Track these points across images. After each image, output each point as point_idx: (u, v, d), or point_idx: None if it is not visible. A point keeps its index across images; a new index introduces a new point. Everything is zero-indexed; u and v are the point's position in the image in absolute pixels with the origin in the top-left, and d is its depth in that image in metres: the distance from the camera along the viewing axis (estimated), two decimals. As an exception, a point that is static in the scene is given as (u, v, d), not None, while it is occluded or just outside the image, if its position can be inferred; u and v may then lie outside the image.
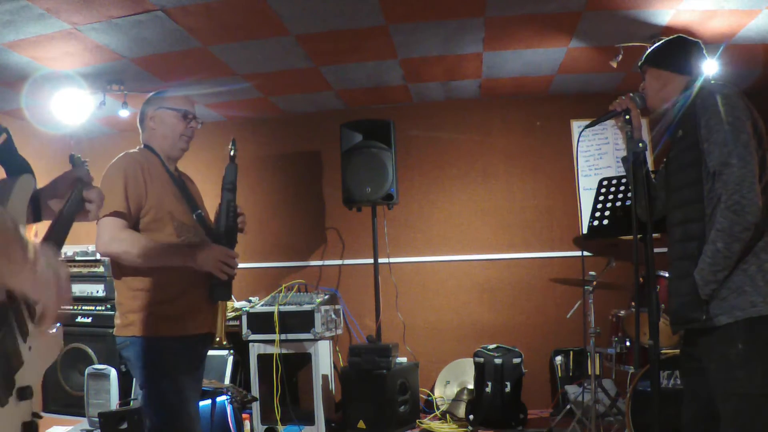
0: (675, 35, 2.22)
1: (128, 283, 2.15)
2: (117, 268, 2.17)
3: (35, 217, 1.66)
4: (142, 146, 2.37)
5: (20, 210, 1.43)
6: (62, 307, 1.11)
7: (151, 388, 2.13)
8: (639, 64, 2.23)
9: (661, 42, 2.21)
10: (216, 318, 2.37)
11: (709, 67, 2.16)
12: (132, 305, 2.14)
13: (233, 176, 2.25)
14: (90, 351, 4.70)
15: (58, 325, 1.48)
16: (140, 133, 2.40)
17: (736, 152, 1.84)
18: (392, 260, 5.06)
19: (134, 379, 4.49)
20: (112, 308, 4.82)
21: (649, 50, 2.20)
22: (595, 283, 3.66)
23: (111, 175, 2.19)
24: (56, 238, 1.50)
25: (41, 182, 1.84)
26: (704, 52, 2.14)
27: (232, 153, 2.27)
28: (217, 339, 2.20)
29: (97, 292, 4.90)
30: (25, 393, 1.16)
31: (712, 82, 2.04)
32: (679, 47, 2.15)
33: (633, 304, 3.66)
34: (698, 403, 2.02)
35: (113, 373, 4.31)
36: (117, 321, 2.19)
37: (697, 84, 2.05)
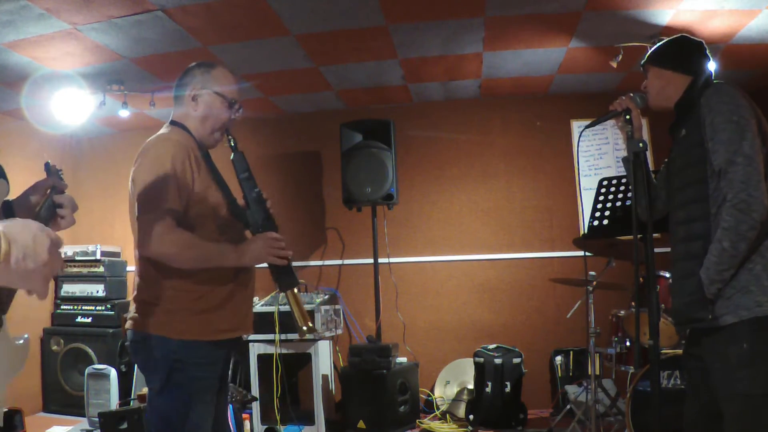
0: (678, 34, 2.22)
1: (171, 282, 1.93)
2: (160, 266, 1.93)
3: None
4: (175, 124, 2.10)
5: None
6: (53, 275, 1.04)
7: (168, 395, 1.91)
8: (641, 62, 2.23)
9: (664, 41, 2.20)
10: (251, 320, 2.19)
11: (711, 67, 2.15)
12: (169, 306, 1.92)
13: (245, 164, 2.03)
14: (90, 351, 4.70)
15: (26, 336, 1.46)
16: (173, 107, 2.15)
17: (742, 151, 1.84)
18: (392, 260, 5.06)
19: (134, 379, 4.50)
20: (112, 308, 4.84)
21: (652, 49, 2.19)
22: (595, 283, 3.66)
23: (157, 165, 1.90)
24: None
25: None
26: (707, 51, 2.13)
27: (232, 144, 2.07)
28: (304, 328, 1.98)
29: (97, 292, 4.90)
30: None
31: (716, 81, 2.04)
32: (683, 47, 2.14)
33: (633, 304, 3.66)
34: (701, 403, 2.01)
35: (113, 373, 4.31)
36: (145, 318, 1.93)
37: (700, 84, 2.04)
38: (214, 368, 2.00)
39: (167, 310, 1.93)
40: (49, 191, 1.65)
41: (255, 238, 1.99)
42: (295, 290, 2.05)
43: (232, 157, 2.06)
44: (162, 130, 2.08)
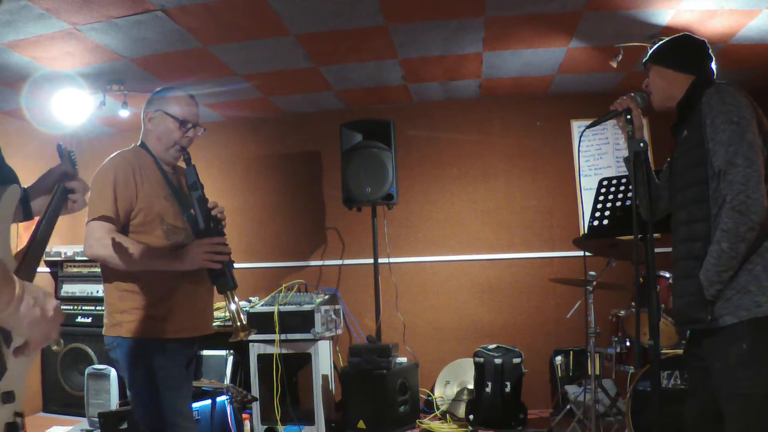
0: (681, 33, 2.21)
1: (117, 285, 2.14)
2: (106, 270, 2.16)
3: (25, 215, 1.70)
4: (138, 143, 2.34)
5: (6, 221, 1.46)
6: (49, 340, 1.12)
7: (139, 391, 2.11)
8: (644, 61, 2.22)
9: (667, 39, 2.19)
10: (210, 319, 2.34)
11: (713, 67, 2.15)
12: (120, 306, 2.12)
13: (194, 176, 2.17)
14: (90, 351, 4.70)
15: None
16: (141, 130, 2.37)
17: (742, 152, 1.84)
18: (392, 260, 5.06)
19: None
20: (112, 308, 4.84)
21: (655, 47, 2.19)
22: (595, 283, 3.66)
23: (100, 177, 2.17)
24: (43, 234, 1.54)
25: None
26: (710, 51, 2.13)
27: (186, 157, 2.23)
28: (238, 324, 2.06)
29: (97, 292, 4.90)
30: (8, 397, 1.22)
31: (717, 81, 2.04)
32: (685, 46, 2.14)
33: (633, 304, 3.66)
34: (702, 403, 2.02)
35: (113, 373, 4.31)
36: (105, 321, 2.17)
37: (702, 83, 2.04)
38: (176, 358, 2.16)
39: (120, 310, 2.12)
40: (62, 178, 1.72)
41: (192, 244, 2.12)
42: (232, 293, 2.13)
43: (185, 169, 2.22)
44: (123, 149, 2.30)
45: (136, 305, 2.11)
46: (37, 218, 1.70)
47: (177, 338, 2.15)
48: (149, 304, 2.11)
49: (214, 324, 2.43)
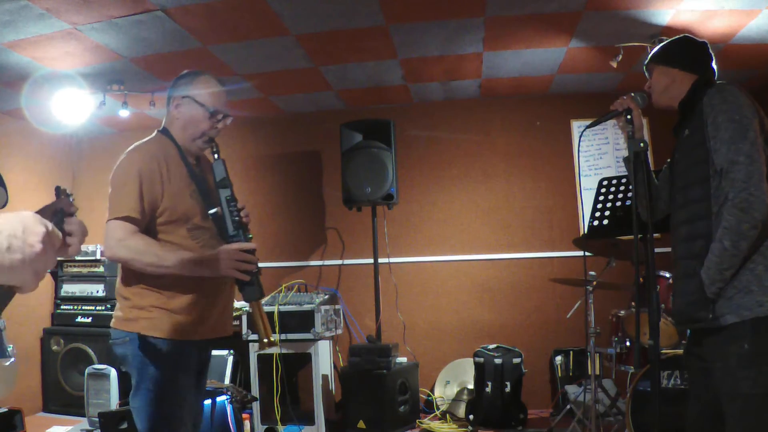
0: (682, 34, 2.23)
1: (140, 281, 2.03)
2: (127, 270, 2.05)
3: None
4: (161, 130, 2.17)
5: None
6: (46, 271, 0.94)
7: (144, 390, 2.01)
8: (645, 62, 2.23)
9: (668, 40, 2.21)
10: (228, 322, 2.25)
11: (715, 67, 2.16)
12: (139, 302, 2.02)
13: (224, 172, 2.05)
14: (90, 351, 4.70)
15: (12, 360, 1.44)
16: (165, 114, 2.21)
17: (744, 150, 1.84)
18: (392, 260, 5.06)
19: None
20: (112, 308, 4.81)
21: (657, 48, 2.20)
22: (595, 283, 3.66)
23: (123, 172, 2.01)
24: None
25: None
26: (711, 51, 2.14)
27: (214, 151, 2.10)
28: (265, 341, 1.99)
29: (97, 292, 4.91)
30: None
31: (719, 81, 2.04)
32: (687, 46, 2.16)
33: (633, 304, 3.66)
34: (703, 403, 2.01)
35: (113, 373, 4.31)
36: (118, 314, 2.05)
37: (704, 83, 2.05)
38: (187, 361, 2.07)
39: (139, 306, 2.02)
40: (56, 214, 1.66)
41: (219, 251, 1.98)
42: (261, 302, 2.06)
43: (213, 163, 2.11)
44: (146, 138, 2.15)
45: (156, 303, 2.01)
46: None
47: (192, 340, 2.07)
48: (170, 304, 2.02)
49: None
